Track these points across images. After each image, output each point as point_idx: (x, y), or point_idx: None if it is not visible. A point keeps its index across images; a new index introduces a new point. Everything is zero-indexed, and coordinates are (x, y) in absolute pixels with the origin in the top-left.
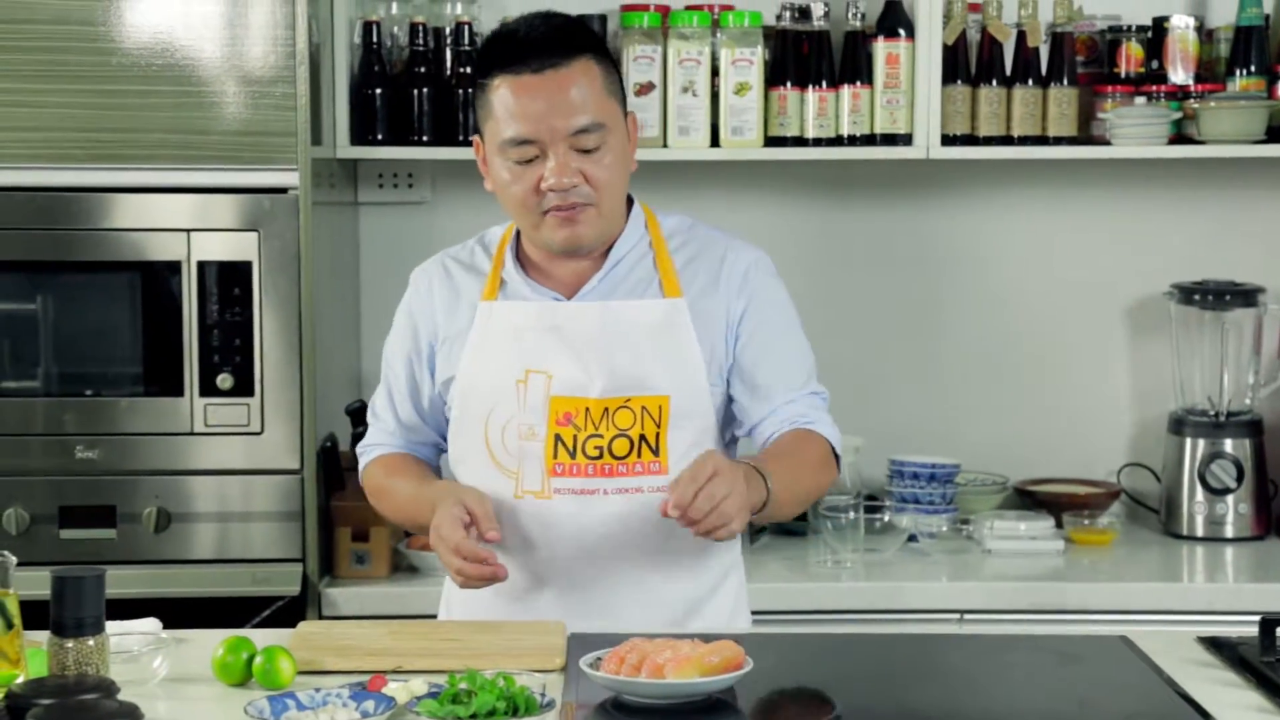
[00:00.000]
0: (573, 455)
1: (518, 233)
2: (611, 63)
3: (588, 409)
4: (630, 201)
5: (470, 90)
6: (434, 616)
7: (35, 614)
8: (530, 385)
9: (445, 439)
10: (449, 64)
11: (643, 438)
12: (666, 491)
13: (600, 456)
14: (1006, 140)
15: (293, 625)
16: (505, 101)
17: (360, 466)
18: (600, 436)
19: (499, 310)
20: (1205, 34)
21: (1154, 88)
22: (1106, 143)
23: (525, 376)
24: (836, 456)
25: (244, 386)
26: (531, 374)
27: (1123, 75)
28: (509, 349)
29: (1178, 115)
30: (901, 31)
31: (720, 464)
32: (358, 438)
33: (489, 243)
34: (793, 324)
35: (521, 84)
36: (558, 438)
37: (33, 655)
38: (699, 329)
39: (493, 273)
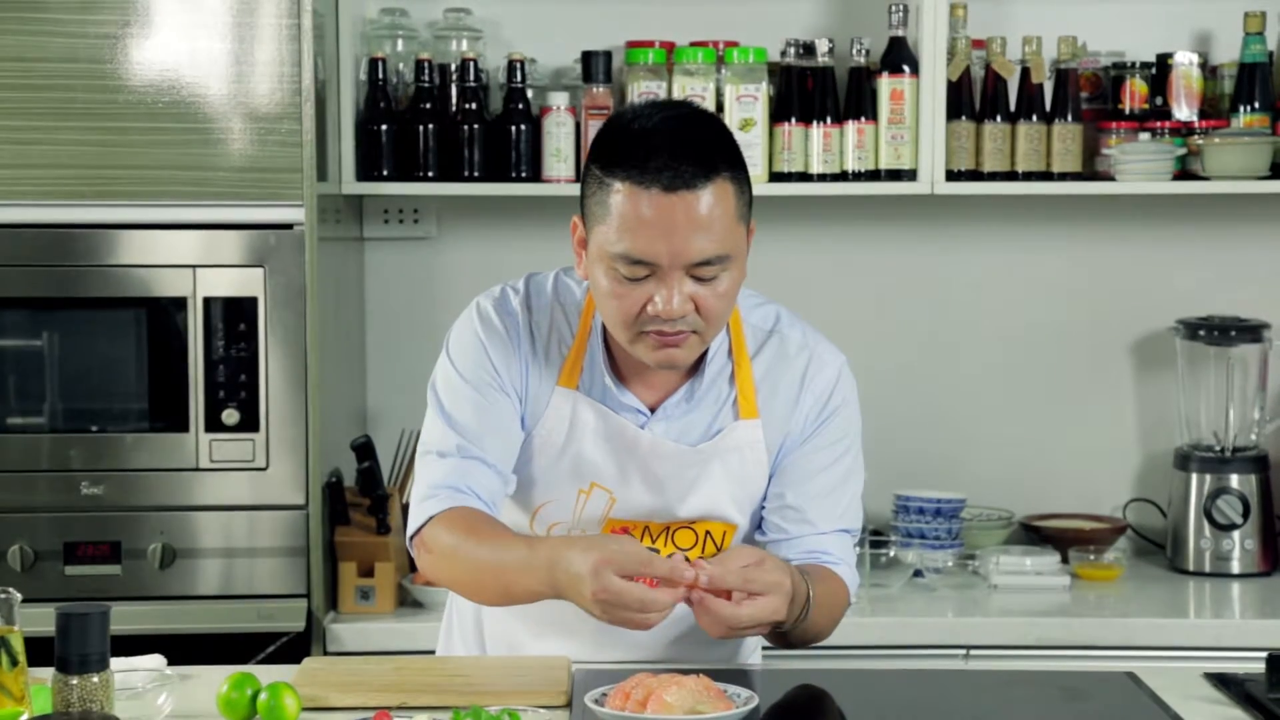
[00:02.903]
0: None
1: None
2: (746, 176)
3: (647, 528)
4: None
5: (476, 126)
6: (438, 653)
7: (40, 651)
8: (592, 499)
9: (502, 466)
10: (454, 100)
11: (700, 558)
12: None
13: None
14: (1011, 176)
15: (297, 661)
16: (625, 212)
17: (415, 524)
18: (655, 552)
19: (579, 408)
20: (1209, 70)
21: (1158, 124)
22: (1111, 178)
23: (589, 489)
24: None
25: (249, 422)
26: (596, 489)
27: (1127, 111)
28: (578, 455)
29: (1182, 151)
30: (906, 68)
31: (771, 559)
32: (363, 473)
33: (567, 305)
34: (851, 450)
35: (649, 199)
36: None
37: (37, 692)
38: (769, 449)
39: (574, 352)
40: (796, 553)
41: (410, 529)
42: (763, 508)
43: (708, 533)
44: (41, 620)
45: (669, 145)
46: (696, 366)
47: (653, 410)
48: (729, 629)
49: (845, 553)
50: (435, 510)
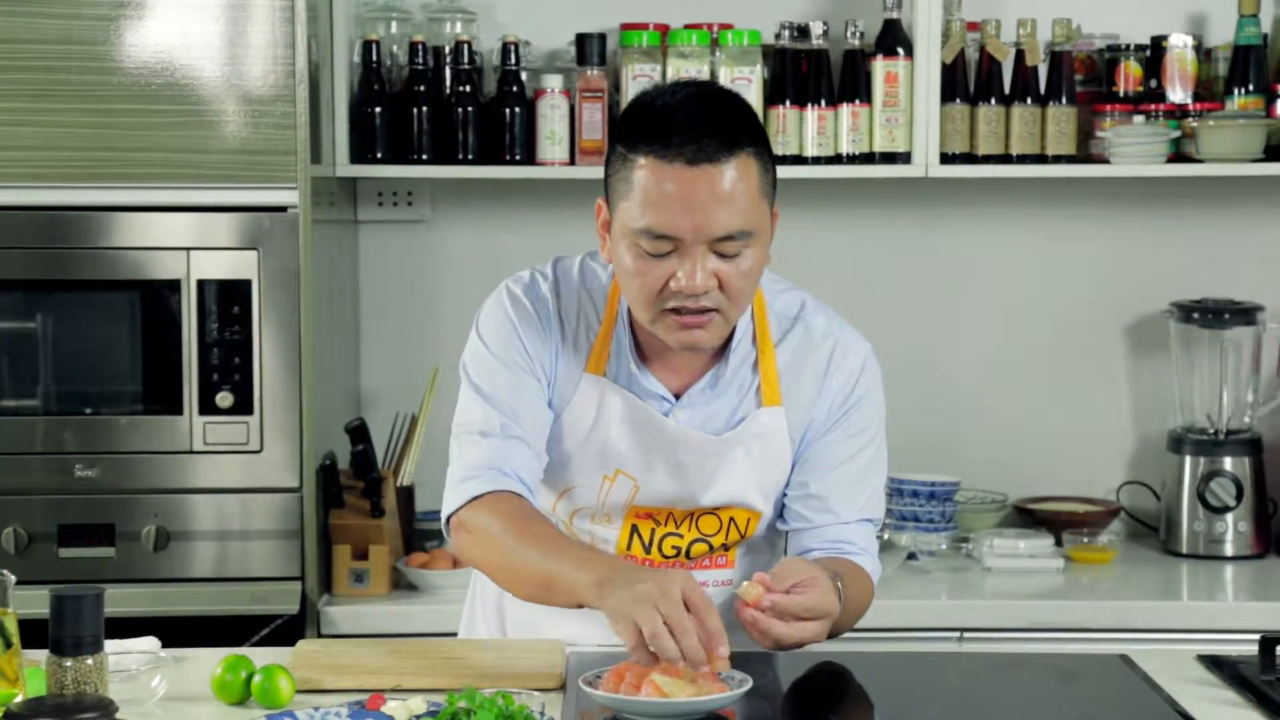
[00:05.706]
0: (647, 550)
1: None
2: (769, 154)
3: (671, 513)
4: None
5: (471, 109)
6: (432, 635)
7: (34, 633)
8: (616, 485)
9: (539, 446)
10: (448, 83)
11: (724, 545)
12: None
13: (675, 556)
14: (1005, 159)
15: (292, 644)
16: (647, 186)
17: (453, 504)
18: (680, 537)
19: (606, 394)
20: (1204, 53)
21: (1152, 106)
22: (1105, 161)
23: (614, 475)
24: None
25: (243, 405)
26: (621, 475)
27: (1121, 94)
28: (604, 441)
29: (1176, 134)
30: (900, 50)
31: (824, 580)
32: (357, 456)
33: (594, 290)
34: (876, 440)
35: (671, 173)
36: (634, 529)
37: (31, 674)
38: (792, 437)
39: (601, 337)
40: (820, 541)
41: (448, 508)
42: (785, 495)
43: (731, 519)
44: (35, 602)
45: (693, 120)
46: (721, 353)
47: (677, 396)
48: (776, 645)
49: (868, 542)
50: (477, 491)
